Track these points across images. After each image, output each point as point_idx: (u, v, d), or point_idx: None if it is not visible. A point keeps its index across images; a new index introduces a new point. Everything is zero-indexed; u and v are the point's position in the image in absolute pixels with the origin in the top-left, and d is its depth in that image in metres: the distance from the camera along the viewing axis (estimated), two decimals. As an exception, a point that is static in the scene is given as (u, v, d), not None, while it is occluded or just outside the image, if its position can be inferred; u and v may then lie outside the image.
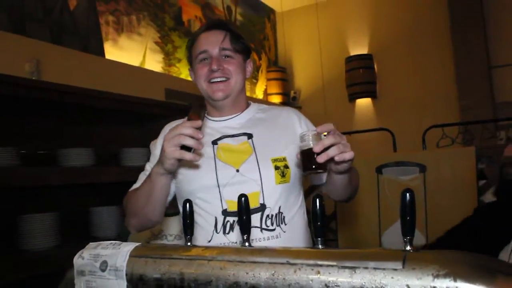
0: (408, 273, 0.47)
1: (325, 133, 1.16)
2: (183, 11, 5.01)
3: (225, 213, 1.35)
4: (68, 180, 2.42)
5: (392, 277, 0.47)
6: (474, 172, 2.77)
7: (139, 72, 4.11)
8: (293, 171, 1.41)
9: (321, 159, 1.12)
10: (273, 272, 0.54)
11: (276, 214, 1.37)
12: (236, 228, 1.37)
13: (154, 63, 4.44)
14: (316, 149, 1.12)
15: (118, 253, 0.68)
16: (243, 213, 0.65)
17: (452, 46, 5.57)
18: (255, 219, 1.34)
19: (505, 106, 5.22)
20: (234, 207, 1.34)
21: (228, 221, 1.34)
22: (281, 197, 1.39)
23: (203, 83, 1.44)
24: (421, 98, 5.73)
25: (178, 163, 1.24)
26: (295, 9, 6.96)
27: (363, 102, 6.33)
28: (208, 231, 1.36)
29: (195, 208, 1.36)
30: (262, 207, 1.36)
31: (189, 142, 1.18)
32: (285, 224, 1.38)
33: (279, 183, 1.38)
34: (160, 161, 1.25)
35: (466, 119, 4.75)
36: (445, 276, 0.45)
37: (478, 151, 2.83)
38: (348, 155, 1.14)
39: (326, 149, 1.13)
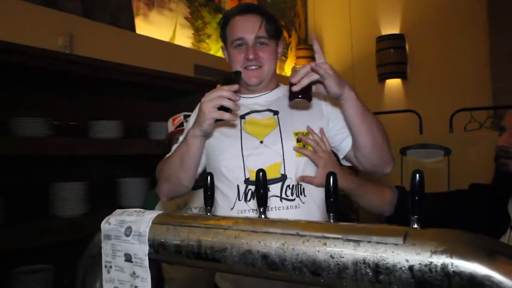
0: (407, 249, 0.49)
1: None
2: (214, -14, 5.00)
3: (247, 181, 1.42)
4: (97, 151, 2.51)
5: (393, 251, 0.50)
6: (500, 157, 2.72)
7: (169, 47, 4.15)
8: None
9: (296, 88, 1.25)
10: (283, 242, 0.58)
11: (296, 185, 1.43)
12: None
13: (184, 38, 4.46)
14: (293, 80, 1.26)
15: (142, 220, 0.72)
16: (260, 187, 0.67)
17: (488, 28, 5.40)
18: (275, 188, 1.41)
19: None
20: None
21: (249, 189, 1.42)
22: (302, 169, 1.45)
23: (239, 68, 1.51)
24: (452, 81, 5.60)
25: (214, 125, 1.32)
26: (327, -14, 6.85)
27: (393, 83, 6.22)
28: (231, 199, 1.44)
29: (220, 176, 1.45)
30: (283, 177, 1.42)
31: (227, 103, 1.27)
32: (305, 196, 1.44)
33: (300, 155, 1.45)
34: (198, 123, 1.33)
35: (498, 103, 4.64)
36: (442, 252, 0.47)
37: (506, 136, 2.78)
38: (321, 71, 1.22)
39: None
